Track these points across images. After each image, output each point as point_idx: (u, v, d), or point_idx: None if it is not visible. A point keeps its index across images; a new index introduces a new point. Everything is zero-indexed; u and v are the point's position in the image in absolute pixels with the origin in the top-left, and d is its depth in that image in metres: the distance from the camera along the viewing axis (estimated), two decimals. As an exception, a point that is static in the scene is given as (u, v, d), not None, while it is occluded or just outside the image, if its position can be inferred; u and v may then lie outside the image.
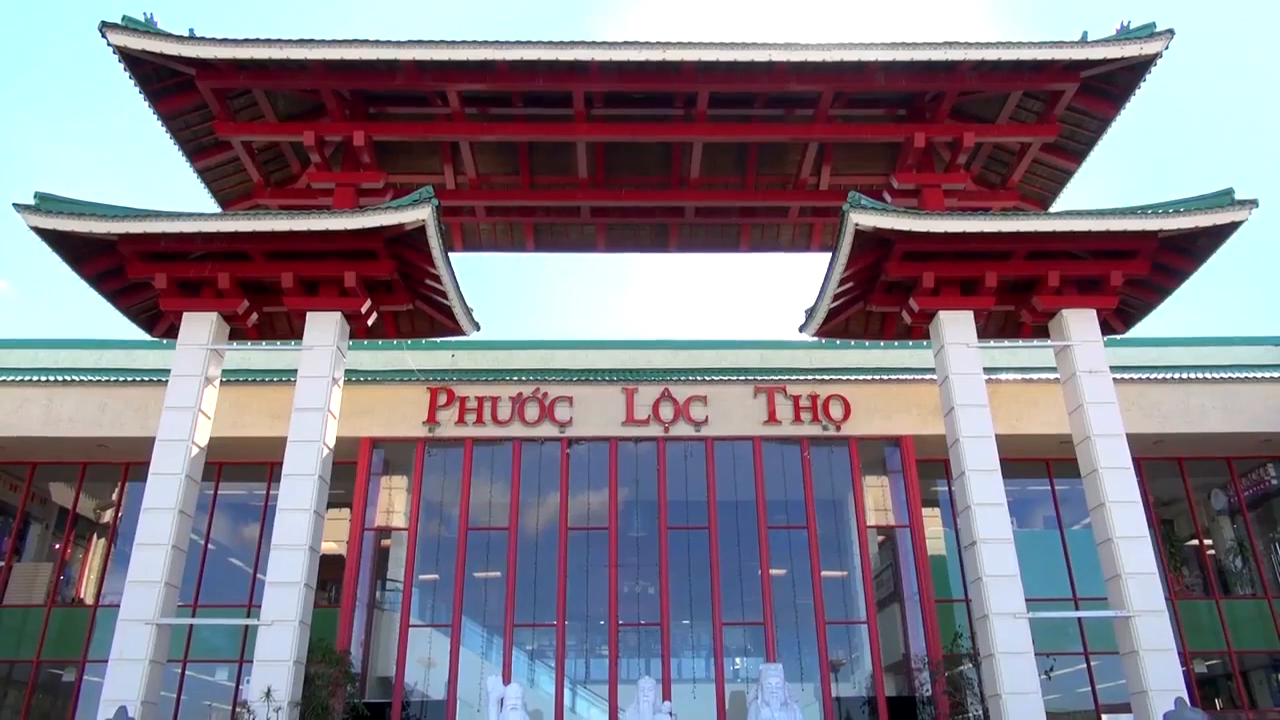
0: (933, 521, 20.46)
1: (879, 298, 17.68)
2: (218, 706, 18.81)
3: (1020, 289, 17.36)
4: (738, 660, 19.21)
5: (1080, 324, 16.75)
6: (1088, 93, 17.15)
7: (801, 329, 18.46)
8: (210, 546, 20.20)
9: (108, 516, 21.19)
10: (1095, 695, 18.57)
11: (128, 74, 16.14)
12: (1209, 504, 21.78)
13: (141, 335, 18.62)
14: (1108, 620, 15.67)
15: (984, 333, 17.61)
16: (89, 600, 20.28)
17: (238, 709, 14.32)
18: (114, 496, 20.99)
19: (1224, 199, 15.87)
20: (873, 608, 19.02)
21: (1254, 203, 15.73)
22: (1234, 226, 15.98)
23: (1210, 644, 19.55)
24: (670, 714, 16.38)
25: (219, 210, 18.95)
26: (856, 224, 15.61)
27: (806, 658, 18.57)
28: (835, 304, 17.49)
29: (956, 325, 16.71)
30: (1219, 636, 19.53)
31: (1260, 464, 21.26)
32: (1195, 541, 21.24)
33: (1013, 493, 16.68)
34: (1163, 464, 20.73)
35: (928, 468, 19.98)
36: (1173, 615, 15.81)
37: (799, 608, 19.01)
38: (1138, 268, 16.67)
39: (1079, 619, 18.28)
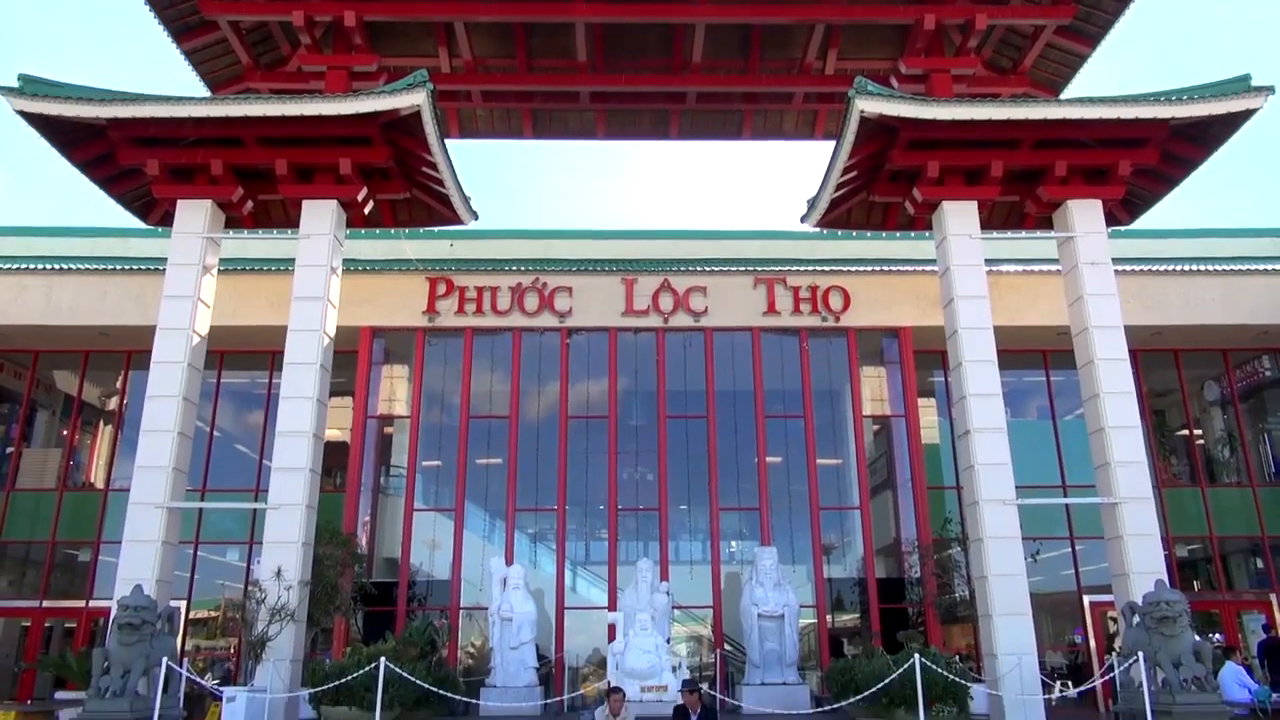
0: (928, 411, 20.75)
1: (882, 187, 17.43)
2: (230, 585, 19.50)
3: (1026, 179, 17.08)
4: (733, 543, 19.80)
5: (1085, 215, 16.55)
6: (1106, -29, 16.49)
7: (804, 219, 18.25)
8: (216, 434, 20.54)
9: (113, 404, 21.46)
10: (1078, 577, 19.25)
11: (106, -53, 15.48)
12: (1201, 395, 22.03)
13: (137, 223, 18.42)
14: (1095, 506, 16.07)
15: (987, 224, 17.39)
16: (99, 485, 20.74)
17: (250, 587, 14.82)
18: (118, 384, 21.21)
19: (1240, 85, 15.43)
20: (866, 494, 19.47)
21: (1270, 90, 15.30)
22: (1248, 114, 15.59)
23: (1193, 529, 20.15)
24: (668, 593, 16.98)
25: (209, 94, 18.46)
26: (862, 110, 15.25)
27: (799, 541, 19.13)
28: (838, 194, 17.24)
29: (960, 216, 16.52)
30: (1202, 522, 20.11)
31: (1255, 356, 21.43)
32: (1185, 432, 21.60)
33: (1008, 383, 16.81)
34: (1158, 356, 20.87)
35: (925, 359, 20.15)
36: (1158, 502, 16.18)
37: (793, 494, 19.47)
38: (1147, 157, 16.36)
39: (1066, 505, 18.74)
